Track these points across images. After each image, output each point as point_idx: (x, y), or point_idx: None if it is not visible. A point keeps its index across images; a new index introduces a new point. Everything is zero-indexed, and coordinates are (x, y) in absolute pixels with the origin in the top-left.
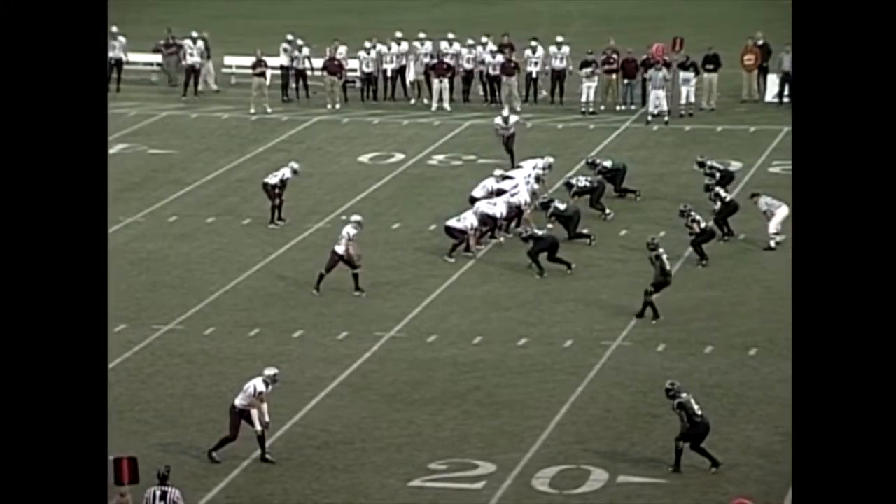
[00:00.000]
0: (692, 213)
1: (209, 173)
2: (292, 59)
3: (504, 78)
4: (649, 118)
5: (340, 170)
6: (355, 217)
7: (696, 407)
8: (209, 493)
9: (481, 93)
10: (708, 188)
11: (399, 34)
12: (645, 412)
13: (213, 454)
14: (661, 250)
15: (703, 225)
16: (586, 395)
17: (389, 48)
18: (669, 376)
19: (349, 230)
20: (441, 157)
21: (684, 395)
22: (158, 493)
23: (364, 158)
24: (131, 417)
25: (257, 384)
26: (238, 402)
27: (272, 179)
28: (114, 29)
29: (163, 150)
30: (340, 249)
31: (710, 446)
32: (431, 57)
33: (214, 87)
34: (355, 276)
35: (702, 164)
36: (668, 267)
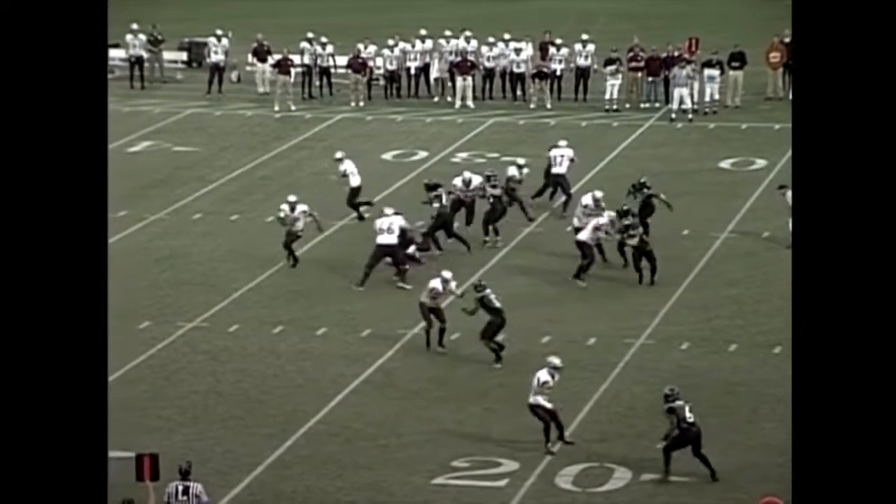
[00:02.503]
0: (633, 218)
1: (233, 171)
2: (316, 57)
3: (537, 80)
4: (673, 115)
5: (363, 167)
6: (446, 273)
7: (688, 414)
8: (233, 490)
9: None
10: (622, 214)
11: (423, 31)
12: None
13: (548, 445)
14: (487, 291)
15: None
16: (609, 393)
17: (413, 46)
18: (693, 374)
19: (438, 284)
20: (464, 154)
21: (679, 402)
22: (181, 487)
23: (387, 156)
24: (155, 414)
25: (541, 375)
26: (534, 399)
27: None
28: (134, 26)
29: (187, 147)
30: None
31: (731, 445)
32: (455, 55)
33: (266, 89)
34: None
35: (642, 187)
36: (496, 304)
